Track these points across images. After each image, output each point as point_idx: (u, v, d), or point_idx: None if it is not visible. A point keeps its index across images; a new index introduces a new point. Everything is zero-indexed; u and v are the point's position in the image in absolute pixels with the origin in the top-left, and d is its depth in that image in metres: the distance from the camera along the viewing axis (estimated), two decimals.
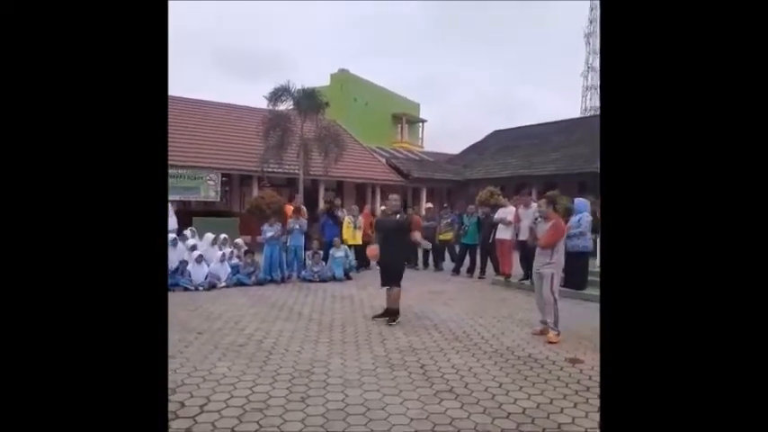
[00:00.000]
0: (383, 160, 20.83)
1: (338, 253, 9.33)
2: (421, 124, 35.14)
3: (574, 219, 7.63)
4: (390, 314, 5.67)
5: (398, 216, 5.75)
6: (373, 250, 5.92)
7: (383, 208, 11.66)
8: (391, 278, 5.73)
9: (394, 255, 5.70)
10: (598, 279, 7.61)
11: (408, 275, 9.94)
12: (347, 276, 9.12)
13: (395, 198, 5.97)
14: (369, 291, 7.92)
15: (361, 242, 10.12)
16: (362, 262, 10.66)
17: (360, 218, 10.38)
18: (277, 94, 13.83)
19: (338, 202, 11.94)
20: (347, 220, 10.08)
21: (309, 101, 13.97)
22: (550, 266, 5.18)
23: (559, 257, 5.18)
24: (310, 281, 8.80)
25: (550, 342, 4.92)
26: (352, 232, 9.97)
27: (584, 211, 7.66)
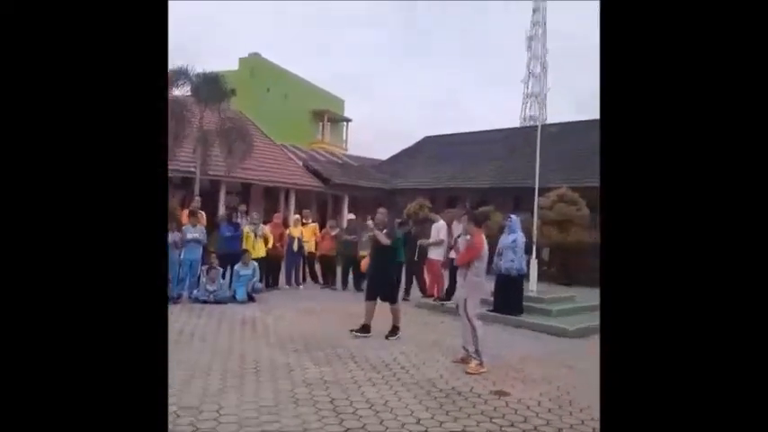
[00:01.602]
0: (300, 162, 20.69)
1: (245, 270, 9.07)
2: (345, 124, 35.40)
3: (508, 238, 8.04)
4: (393, 330, 6.52)
5: (387, 230, 6.59)
6: (366, 265, 6.66)
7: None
8: (387, 295, 6.55)
9: (384, 270, 6.55)
10: (531, 304, 8.09)
11: (325, 296, 10.10)
12: (250, 298, 8.91)
13: (382, 212, 6.92)
14: (275, 314, 7.81)
15: (264, 254, 9.96)
16: (272, 280, 10.50)
17: (263, 227, 10.22)
18: (172, 78, 13.22)
19: (243, 208, 11.66)
20: (246, 229, 9.86)
21: (211, 87, 13.34)
22: (462, 288, 5.46)
23: (474, 278, 5.42)
24: (204, 301, 8.49)
25: (470, 372, 5.13)
26: (252, 243, 9.77)
27: (517, 230, 8.10)
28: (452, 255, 8.12)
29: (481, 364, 5.25)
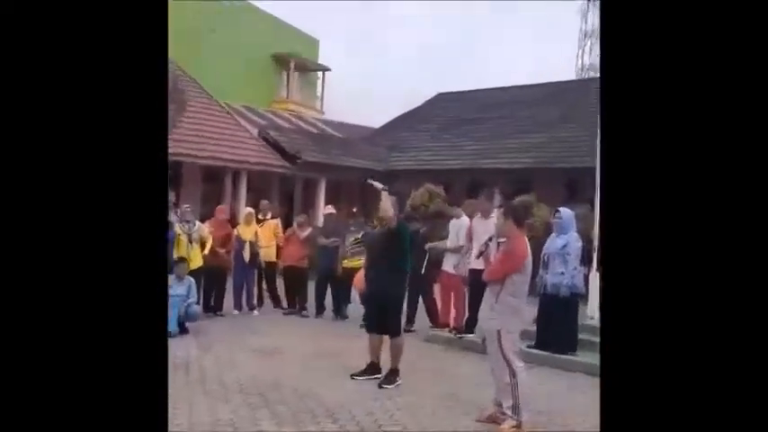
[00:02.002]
0: (254, 130, 20.67)
1: (178, 288, 9.04)
2: (320, 74, 35.38)
3: (556, 242, 8.06)
4: (390, 375, 6.62)
5: (390, 228, 6.64)
6: (360, 280, 6.73)
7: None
8: (386, 323, 6.68)
9: (388, 287, 6.62)
10: (591, 338, 8.02)
11: (291, 326, 10.10)
12: (182, 328, 8.89)
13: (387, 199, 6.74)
14: (218, 353, 7.83)
15: (200, 264, 9.95)
16: (214, 302, 10.48)
17: (200, 226, 10.17)
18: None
19: (171, 197, 11.65)
20: (177, 229, 9.82)
21: None
22: (494, 314, 5.42)
23: (511, 299, 5.39)
24: None
25: None
26: (185, 249, 9.73)
27: (570, 229, 8.11)
28: (474, 264, 8.13)
29: (520, 425, 5.26)
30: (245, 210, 11.86)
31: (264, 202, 12.04)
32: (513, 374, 5.31)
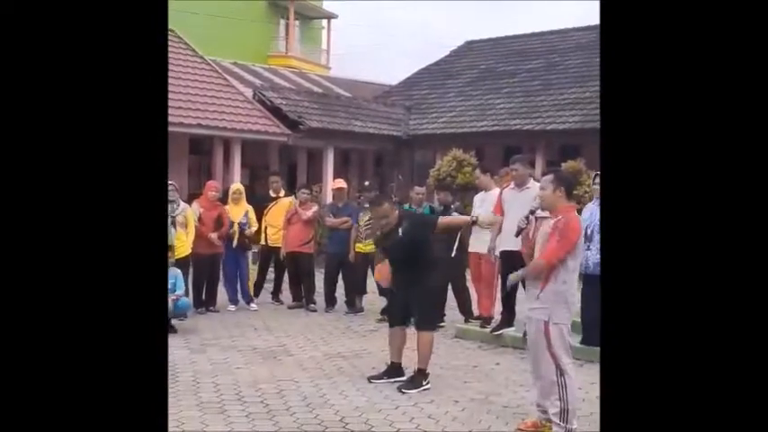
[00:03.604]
0: (248, 91, 20.65)
1: None
2: (326, 23, 35.26)
3: (600, 212, 7.95)
4: (416, 377, 6.71)
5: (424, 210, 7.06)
6: (383, 271, 6.92)
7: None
8: (420, 316, 6.82)
9: (425, 278, 6.74)
10: None
11: (296, 323, 10.16)
12: (169, 327, 8.95)
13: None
14: (210, 354, 7.89)
15: (188, 252, 10.02)
16: (206, 296, 10.52)
17: (185, 206, 10.19)
18: None
19: None
20: None
21: None
22: (541, 306, 5.38)
23: (560, 287, 5.36)
24: None
25: None
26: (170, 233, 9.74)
27: None
28: (506, 245, 8.06)
29: None
30: (234, 185, 11.71)
31: (274, 178, 11.94)
32: (561, 373, 5.28)
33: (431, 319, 6.93)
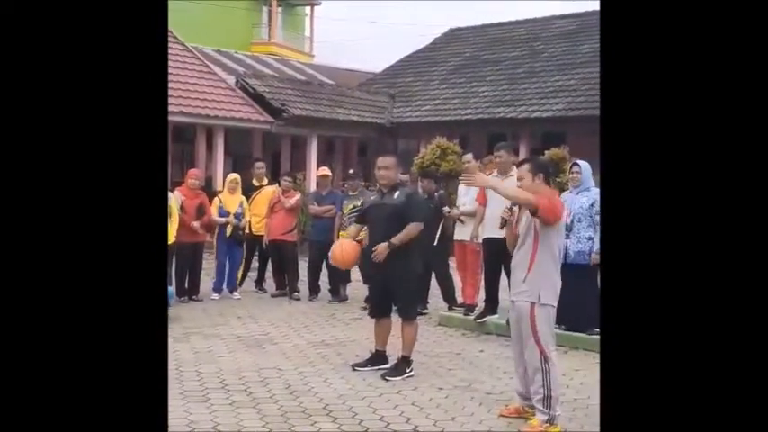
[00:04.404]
0: (231, 79, 20.59)
1: None
2: (309, 10, 35.13)
3: (580, 200, 8.08)
4: (400, 365, 6.74)
5: (399, 194, 6.80)
6: (351, 250, 6.91)
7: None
8: (399, 304, 6.84)
9: (400, 263, 6.64)
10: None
11: (279, 312, 10.17)
12: None
13: (387, 163, 6.92)
14: (193, 343, 7.91)
15: (171, 241, 9.89)
16: (189, 284, 10.50)
17: (171, 195, 10.12)
18: None
19: None
20: None
21: None
22: (527, 289, 5.38)
23: (546, 267, 5.38)
24: None
25: None
26: None
27: (590, 184, 8.13)
28: (490, 233, 8.09)
29: (552, 421, 5.28)
30: (230, 175, 11.65)
31: (259, 165, 11.91)
32: (545, 359, 5.29)
33: (413, 307, 6.94)
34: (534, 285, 5.33)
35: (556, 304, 5.42)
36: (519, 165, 6.08)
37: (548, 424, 5.24)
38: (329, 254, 7.34)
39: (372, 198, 7.19)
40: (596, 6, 24.89)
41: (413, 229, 6.55)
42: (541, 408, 5.28)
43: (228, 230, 10.75)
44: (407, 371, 6.64)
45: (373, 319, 7.00)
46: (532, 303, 5.31)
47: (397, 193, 6.76)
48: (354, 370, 6.79)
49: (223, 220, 10.72)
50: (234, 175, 11.45)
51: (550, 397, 5.26)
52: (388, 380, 6.49)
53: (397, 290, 6.76)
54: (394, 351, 6.84)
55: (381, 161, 6.97)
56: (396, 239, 6.47)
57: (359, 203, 10.28)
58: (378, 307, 6.94)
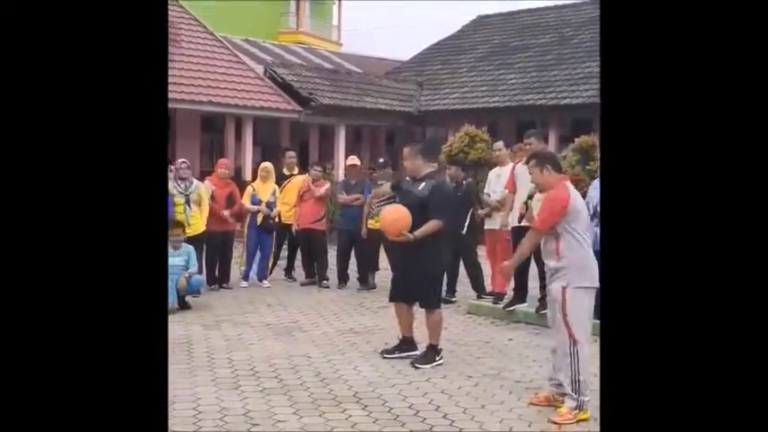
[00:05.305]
0: (259, 68, 20.62)
1: (175, 258, 9.13)
2: (336, 1, 35.09)
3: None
4: (428, 353, 6.77)
5: (425, 185, 6.80)
6: (401, 218, 6.64)
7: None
8: (420, 292, 6.78)
9: (424, 253, 6.66)
10: None
11: (309, 300, 10.23)
12: (182, 304, 9.03)
13: (404, 153, 7.04)
14: (224, 331, 7.96)
15: (202, 229, 10.05)
16: (219, 272, 10.58)
17: (198, 184, 10.22)
18: None
19: None
20: (171, 188, 9.81)
21: None
22: (561, 275, 5.40)
23: (576, 254, 5.36)
24: None
25: (556, 422, 5.18)
26: (182, 212, 9.76)
27: None
28: (518, 221, 8.13)
29: (581, 407, 5.26)
30: (263, 164, 11.67)
31: (291, 154, 11.95)
32: (573, 343, 5.27)
33: (434, 297, 6.88)
34: (565, 270, 5.36)
35: (595, 286, 5.34)
36: (527, 162, 6.09)
37: (577, 410, 5.22)
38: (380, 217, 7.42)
39: (403, 185, 7.19)
40: None
41: (433, 226, 6.54)
42: (570, 392, 5.27)
43: (259, 219, 10.78)
44: (437, 359, 6.65)
45: (396, 305, 7.00)
46: (563, 287, 5.33)
47: (423, 184, 6.75)
48: (383, 357, 6.81)
49: (255, 208, 10.75)
50: (266, 164, 11.44)
51: (579, 381, 5.23)
52: (417, 367, 6.50)
53: (417, 279, 6.75)
54: (423, 339, 6.84)
55: (404, 152, 7.10)
56: (415, 233, 6.49)
57: (389, 191, 10.30)
58: (395, 292, 6.94)
